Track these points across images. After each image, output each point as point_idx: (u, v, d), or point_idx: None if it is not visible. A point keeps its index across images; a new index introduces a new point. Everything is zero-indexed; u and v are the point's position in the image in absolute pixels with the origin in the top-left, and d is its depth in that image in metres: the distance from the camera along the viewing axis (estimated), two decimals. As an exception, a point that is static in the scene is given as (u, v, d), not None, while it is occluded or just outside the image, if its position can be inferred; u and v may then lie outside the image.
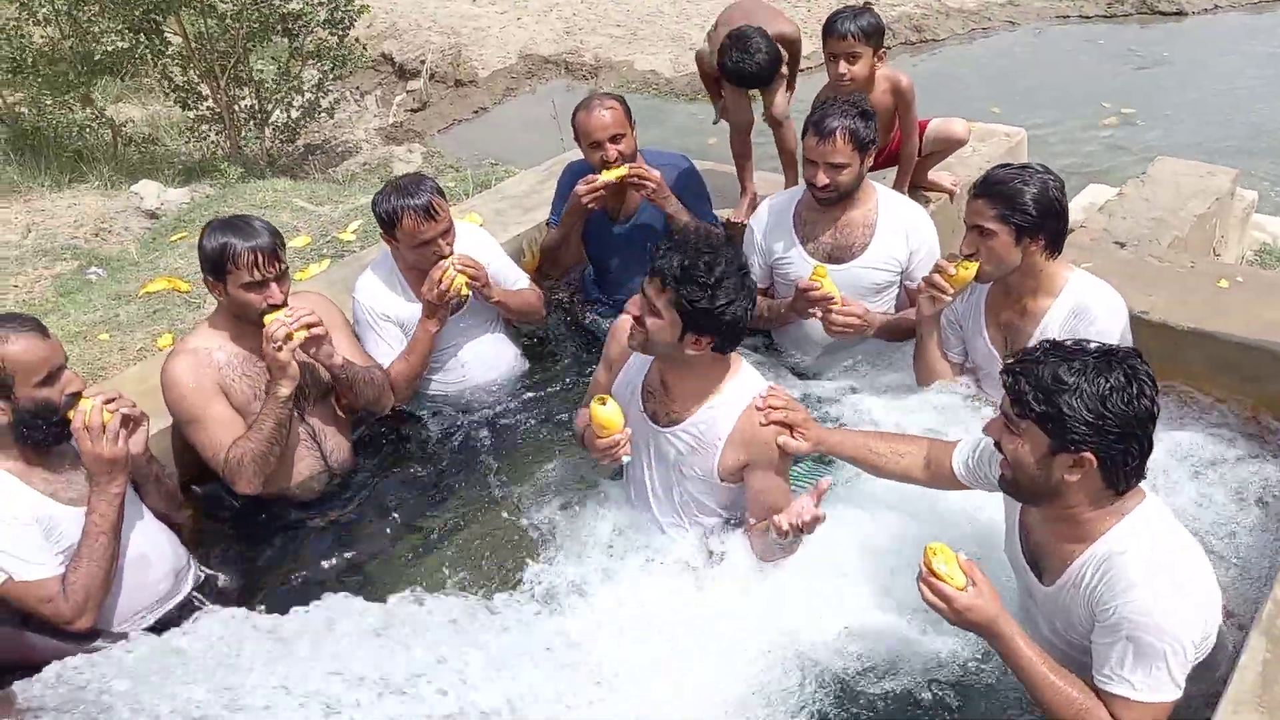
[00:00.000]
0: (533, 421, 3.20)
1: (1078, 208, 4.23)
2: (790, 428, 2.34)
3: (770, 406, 2.33)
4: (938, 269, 2.69)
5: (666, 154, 3.55)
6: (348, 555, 2.79)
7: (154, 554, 2.48)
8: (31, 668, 2.10)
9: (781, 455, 2.35)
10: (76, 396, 2.23)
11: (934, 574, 1.88)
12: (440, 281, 2.88)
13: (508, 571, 2.63)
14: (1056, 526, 1.92)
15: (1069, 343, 1.85)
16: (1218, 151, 6.31)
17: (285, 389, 2.61)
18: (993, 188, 2.50)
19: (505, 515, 2.84)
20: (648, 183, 3.21)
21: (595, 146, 3.23)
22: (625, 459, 2.43)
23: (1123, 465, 1.78)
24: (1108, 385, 1.74)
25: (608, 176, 3.19)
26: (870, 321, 2.97)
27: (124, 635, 2.35)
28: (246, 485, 2.65)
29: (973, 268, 2.59)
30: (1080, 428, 1.74)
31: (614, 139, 3.20)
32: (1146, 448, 1.79)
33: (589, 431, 2.44)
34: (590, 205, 3.26)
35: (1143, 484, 1.87)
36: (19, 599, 2.20)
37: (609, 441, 2.35)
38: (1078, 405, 1.74)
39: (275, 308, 2.60)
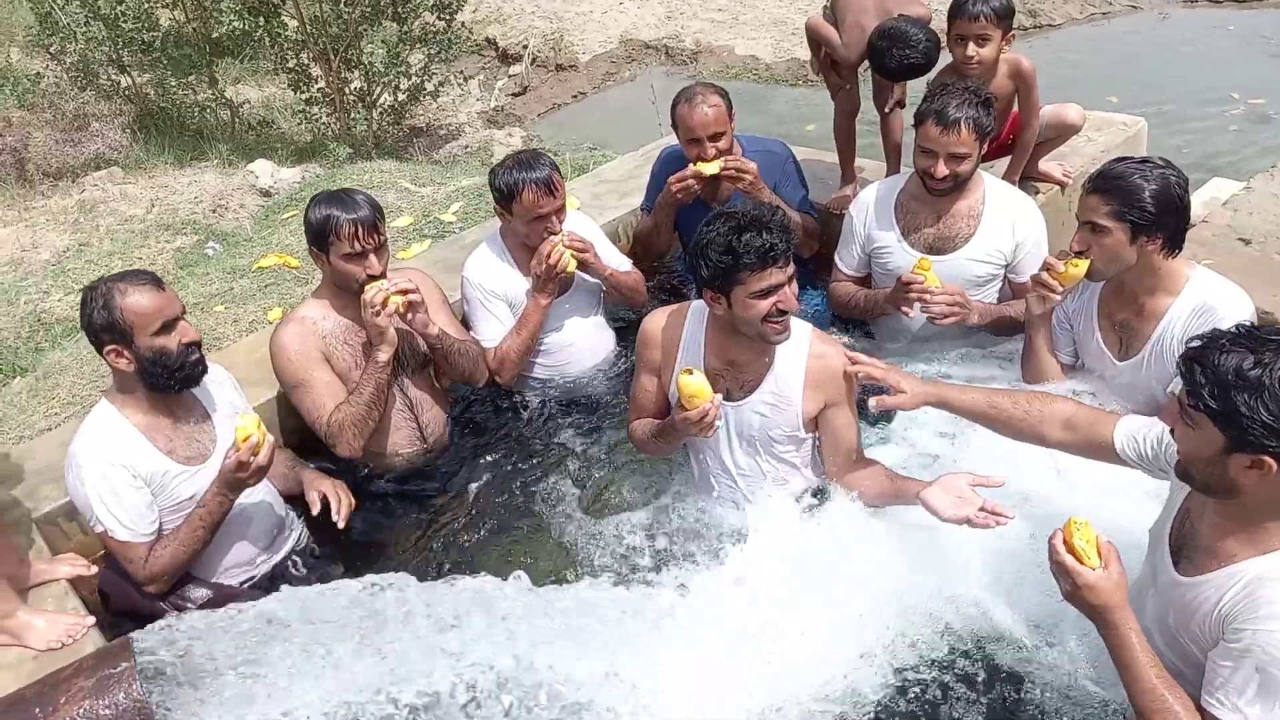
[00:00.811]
0: (619, 409, 3.21)
1: (1200, 202, 4.02)
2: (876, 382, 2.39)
3: (855, 362, 2.41)
4: (1046, 266, 2.60)
5: (763, 140, 3.51)
6: (435, 531, 2.86)
7: (258, 515, 2.61)
8: (139, 616, 2.25)
9: (850, 392, 2.45)
10: (192, 346, 2.37)
11: (1070, 548, 1.82)
12: (549, 256, 2.93)
13: (594, 559, 2.66)
14: (1224, 523, 1.77)
15: (1263, 331, 1.66)
16: (1357, 145, 5.92)
17: (384, 354, 2.70)
18: (1109, 182, 2.39)
19: (596, 503, 2.87)
20: (744, 175, 3.18)
21: (694, 143, 3.21)
22: (720, 425, 2.43)
23: None
24: None
25: (703, 169, 3.17)
26: (971, 307, 2.89)
27: (212, 586, 2.49)
28: (346, 448, 2.75)
29: (1083, 265, 2.49)
30: (1259, 429, 1.58)
31: (714, 137, 3.17)
32: None
33: (670, 419, 2.44)
34: (680, 197, 3.25)
35: None
36: (113, 551, 2.38)
37: (700, 410, 2.32)
38: (1258, 405, 1.57)
39: (374, 279, 2.69)
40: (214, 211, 5.72)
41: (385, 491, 2.96)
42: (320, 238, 2.67)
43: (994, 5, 3.10)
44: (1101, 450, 2.15)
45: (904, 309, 2.92)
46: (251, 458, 2.29)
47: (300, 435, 2.94)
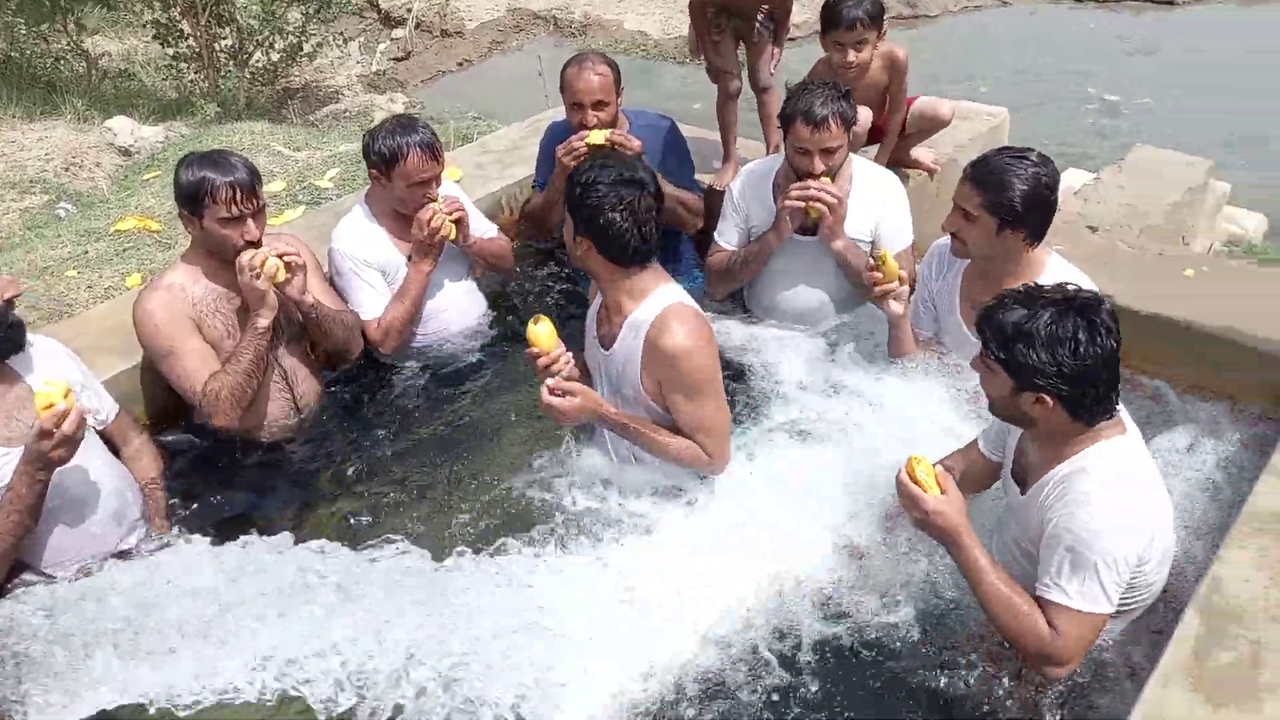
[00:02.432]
0: (500, 374, 3.21)
1: (1055, 191, 4.26)
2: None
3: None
4: (872, 282, 2.76)
5: (649, 114, 3.53)
6: (308, 501, 2.80)
7: (93, 497, 2.44)
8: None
9: (694, 374, 2.39)
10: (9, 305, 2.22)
11: (914, 479, 2.05)
12: (430, 221, 2.89)
13: (472, 522, 2.64)
14: (1038, 447, 2.08)
15: (1041, 288, 1.98)
16: (1197, 141, 6.36)
17: (264, 319, 2.61)
18: (985, 175, 2.50)
19: (471, 466, 2.86)
20: (629, 150, 3.17)
21: (577, 108, 3.21)
22: (559, 376, 2.45)
23: (1080, 404, 1.92)
24: (1058, 334, 1.87)
25: (591, 138, 3.16)
26: (840, 220, 2.96)
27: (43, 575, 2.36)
28: (223, 418, 2.65)
29: (885, 253, 2.73)
30: (1032, 372, 1.90)
31: (597, 105, 3.18)
32: (1104, 388, 1.92)
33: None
34: (571, 165, 3.24)
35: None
36: None
37: (536, 355, 2.43)
38: (1029, 353, 1.89)
39: (251, 245, 2.59)
40: (66, 170, 5.36)
41: (258, 462, 2.87)
42: (193, 200, 2.54)
43: (866, 10, 3.21)
44: (988, 466, 2.38)
45: (791, 220, 2.99)
46: (56, 428, 2.10)
47: (167, 406, 2.81)
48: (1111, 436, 2.00)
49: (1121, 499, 1.94)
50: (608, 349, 2.52)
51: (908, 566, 2.34)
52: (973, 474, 2.39)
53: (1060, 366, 1.87)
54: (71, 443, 2.16)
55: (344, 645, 1.98)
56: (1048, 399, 1.92)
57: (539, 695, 2.02)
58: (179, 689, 1.80)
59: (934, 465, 2.10)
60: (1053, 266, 2.64)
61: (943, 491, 2.05)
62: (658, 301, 2.41)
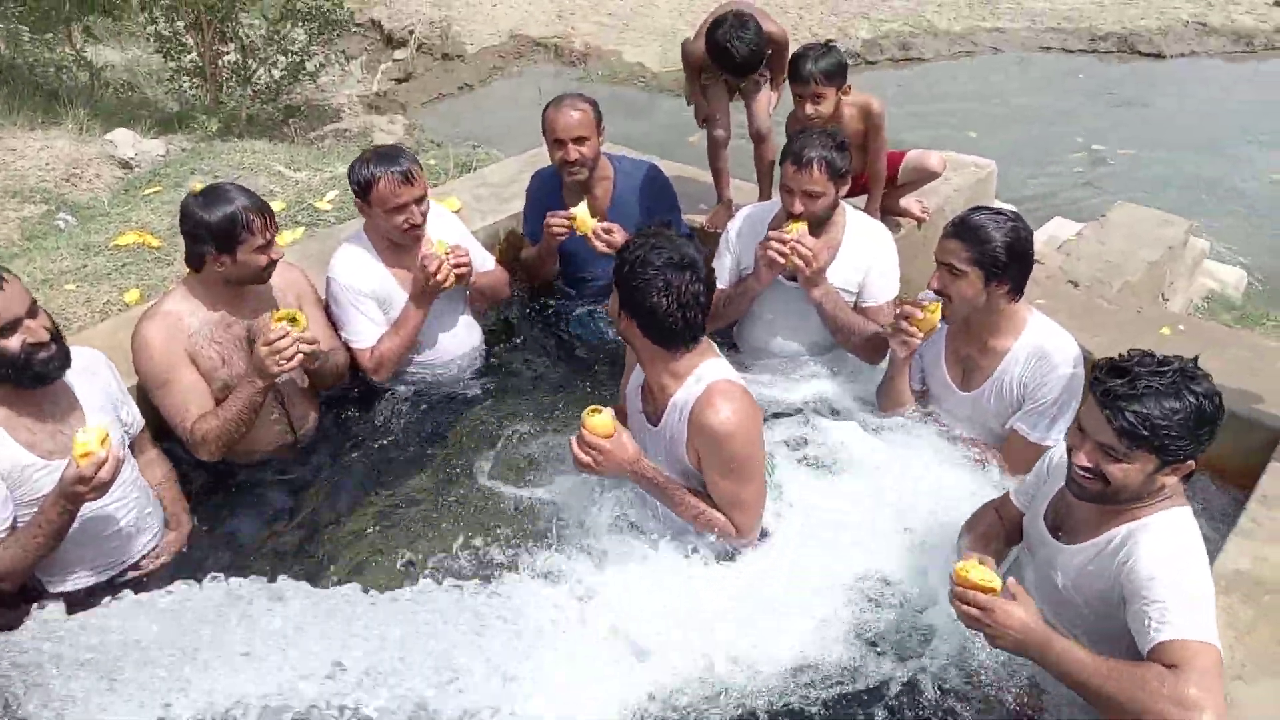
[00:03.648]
0: (494, 404, 3.27)
1: (1040, 240, 4.37)
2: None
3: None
4: (906, 315, 2.78)
5: (637, 161, 3.64)
6: (304, 523, 2.84)
7: (125, 512, 2.52)
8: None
9: (735, 455, 2.35)
10: (39, 346, 2.24)
11: (967, 583, 1.95)
12: (434, 271, 2.96)
13: (461, 545, 2.69)
14: (1104, 507, 2.04)
15: (1150, 360, 1.94)
16: (1179, 194, 6.51)
17: (261, 384, 2.66)
18: (968, 230, 2.60)
19: (462, 491, 2.91)
20: (611, 244, 3.19)
21: (558, 145, 3.33)
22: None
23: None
24: (1194, 403, 1.88)
25: (579, 224, 3.21)
26: (818, 272, 3.01)
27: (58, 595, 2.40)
28: (207, 456, 2.72)
29: (938, 311, 2.70)
30: (1187, 447, 1.90)
31: (577, 140, 3.29)
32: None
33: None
34: (559, 237, 3.31)
35: None
36: None
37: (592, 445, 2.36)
38: (1183, 429, 1.88)
39: (274, 262, 2.69)
40: (67, 180, 5.39)
41: (252, 483, 2.92)
42: (228, 237, 2.58)
43: (822, 67, 3.31)
44: (1018, 518, 2.38)
45: (769, 269, 3.04)
46: (93, 475, 2.16)
47: (161, 425, 2.85)
48: (1178, 506, 2.03)
49: (1196, 547, 1.97)
50: (654, 425, 2.50)
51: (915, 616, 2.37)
52: (1010, 530, 2.40)
53: (1205, 432, 1.90)
54: (106, 487, 2.21)
55: (323, 677, 2.01)
56: (1191, 464, 1.95)
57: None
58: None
59: (978, 563, 1.98)
60: (1034, 325, 2.73)
61: (1006, 588, 1.96)
62: (701, 379, 2.38)
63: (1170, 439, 1.88)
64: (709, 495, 2.44)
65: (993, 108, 8.36)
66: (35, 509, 2.30)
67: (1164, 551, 1.95)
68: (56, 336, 2.30)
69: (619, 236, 3.20)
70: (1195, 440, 1.90)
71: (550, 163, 3.48)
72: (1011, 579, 1.99)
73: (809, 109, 3.37)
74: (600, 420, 2.34)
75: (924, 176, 3.78)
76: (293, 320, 2.63)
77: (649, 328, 2.33)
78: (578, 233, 3.22)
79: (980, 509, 2.49)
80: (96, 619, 2.08)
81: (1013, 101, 8.53)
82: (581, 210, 3.22)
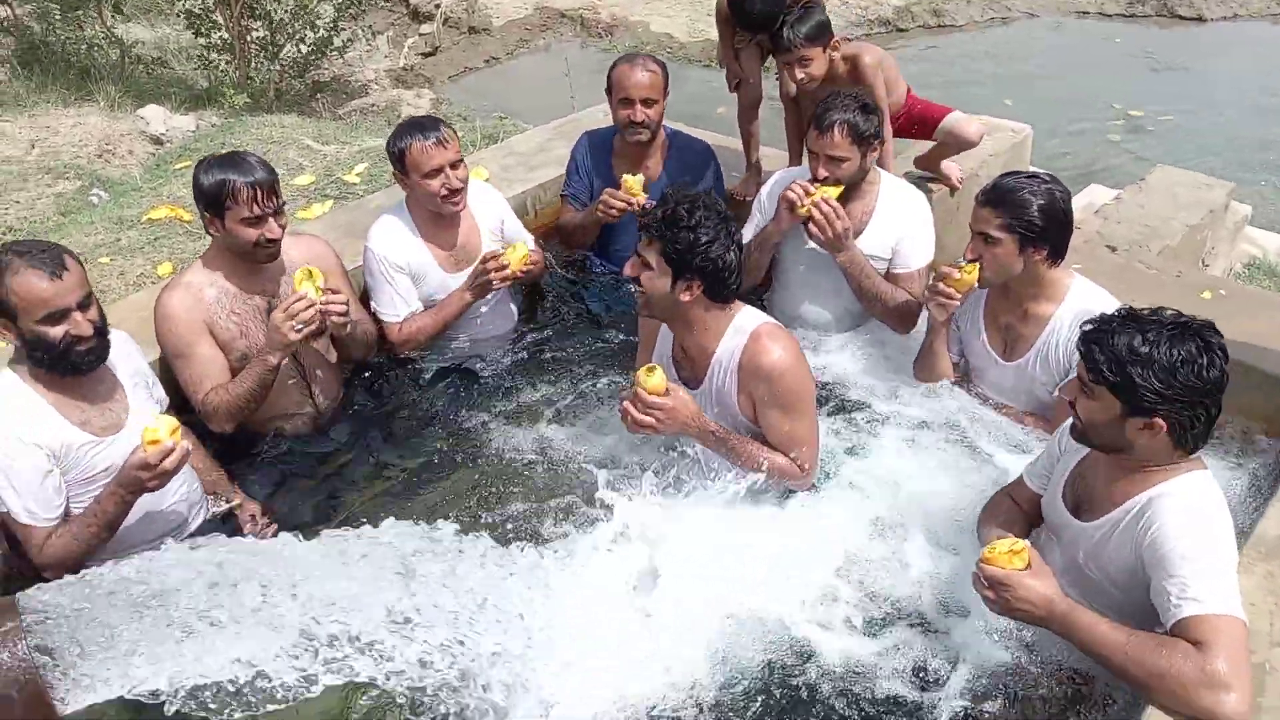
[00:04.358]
0: (524, 378, 3.25)
1: (1077, 206, 4.26)
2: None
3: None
4: (942, 276, 2.73)
5: (691, 139, 3.58)
6: (327, 492, 2.86)
7: (171, 484, 2.49)
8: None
9: (791, 390, 2.41)
10: (80, 339, 2.24)
11: (988, 562, 1.93)
12: (498, 272, 2.98)
13: (488, 515, 2.68)
14: (1117, 473, 2.03)
15: (1145, 311, 1.93)
16: (1220, 160, 6.36)
17: (274, 359, 2.64)
18: (1001, 196, 2.54)
19: (490, 461, 2.90)
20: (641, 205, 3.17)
21: (626, 103, 3.28)
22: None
23: (1190, 428, 1.89)
24: (1179, 356, 1.83)
25: (638, 197, 3.17)
26: (839, 237, 2.94)
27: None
28: (218, 427, 2.73)
29: (974, 271, 2.65)
30: (1151, 395, 1.85)
31: (646, 101, 3.26)
32: (1215, 413, 1.90)
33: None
34: (611, 216, 3.26)
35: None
36: (12, 529, 2.29)
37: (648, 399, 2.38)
38: (1149, 375, 1.84)
39: (272, 242, 2.65)
40: (100, 156, 5.46)
41: (278, 454, 2.93)
42: (215, 202, 2.59)
43: (801, 32, 3.22)
44: (1035, 502, 2.35)
45: (789, 213, 2.99)
46: (158, 463, 2.18)
47: (181, 396, 2.88)
48: (1194, 470, 1.97)
49: (1215, 512, 1.92)
50: (696, 388, 2.53)
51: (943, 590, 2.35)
52: (1029, 512, 2.37)
53: (1179, 389, 1.83)
54: (168, 476, 2.23)
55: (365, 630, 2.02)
56: (1159, 423, 1.88)
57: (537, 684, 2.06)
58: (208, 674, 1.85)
59: (1008, 541, 1.97)
60: (1077, 287, 2.67)
61: (1028, 565, 1.93)
62: (740, 329, 2.45)
63: (1132, 383, 1.85)
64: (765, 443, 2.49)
65: (1028, 74, 8.21)
66: (88, 488, 2.34)
67: (1184, 520, 1.89)
68: (101, 331, 2.31)
69: (645, 200, 3.18)
70: (1167, 398, 1.84)
71: (605, 126, 3.43)
72: (1035, 552, 1.96)
73: (798, 74, 3.30)
74: (658, 379, 2.36)
75: (958, 144, 3.69)
76: (309, 275, 2.63)
77: (716, 286, 2.39)
78: (635, 208, 3.17)
79: (994, 497, 2.45)
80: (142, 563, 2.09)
81: (1048, 68, 8.36)
82: (636, 181, 3.18)
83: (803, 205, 2.92)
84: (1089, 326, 1.97)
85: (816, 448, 2.54)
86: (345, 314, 2.69)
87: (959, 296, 2.72)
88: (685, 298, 2.39)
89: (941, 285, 2.73)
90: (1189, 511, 1.90)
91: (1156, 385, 1.84)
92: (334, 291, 2.69)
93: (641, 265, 2.41)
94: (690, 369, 2.53)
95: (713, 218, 2.34)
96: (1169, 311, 1.92)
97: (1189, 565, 1.84)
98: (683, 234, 2.32)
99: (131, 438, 2.33)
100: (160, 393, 2.66)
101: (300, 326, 2.58)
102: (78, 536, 2.28)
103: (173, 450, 2.19)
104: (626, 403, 2.38)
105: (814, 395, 2.52)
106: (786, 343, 2.43)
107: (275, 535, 2.55)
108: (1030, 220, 2.50)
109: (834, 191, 2.93)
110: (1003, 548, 1.94)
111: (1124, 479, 2.01)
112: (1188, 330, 1.87)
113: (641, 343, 2.81)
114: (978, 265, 2.64)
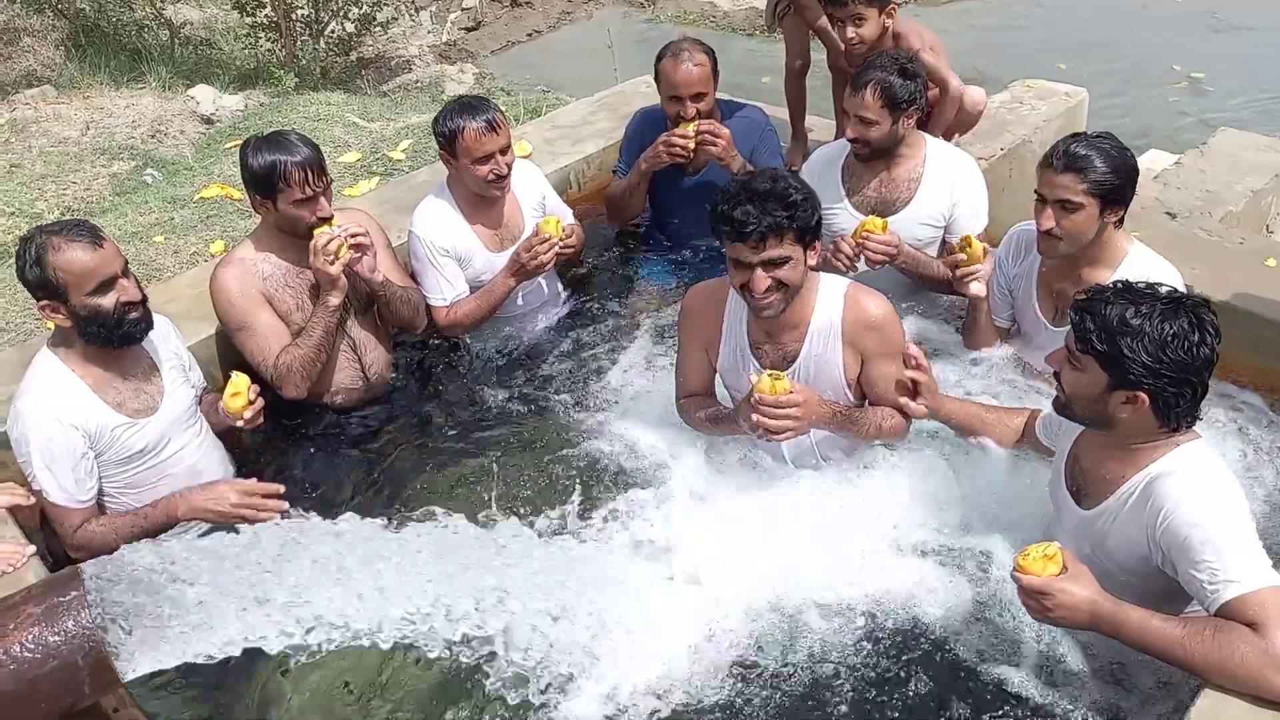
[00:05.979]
0: (571, 356, 3.24)
1: (1133, 173, 4.16)
2: (916, 391, 2.47)
3: (914, 358, 2.46)
4: (953, 265, 2.76)
5: (743, 105, 3.49)
6: (377, 468, 2.89)
7: (205, 466, 2.60)
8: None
9: (897, 335, 2.44)
10: (131, 305, 2.30)
11: (1025, 571, 1.86)
12: (540, 254, 2.97)
13: (532, 498, 2.70)
14: (1107, 453, 2.01)
15: (1141, 285, 1.91)
16: (1286, 123, 6.12)
17: (335, 298, 2.71)
18: (1079, 160, 2.44)
19: (541, 440, 2.91)
20: (717, 141, 3.14)
21: (675, 100, 3.19)
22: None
23: (1175, 406, 1.86)
24: (1170, 331, 1.81)
25: (688, 130, 3.13)
26: (901, 248, 2.92)
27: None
28: (293, 389, 2.77)
29: (974, 243, 2.69)
30: (1138, 369, 1.83)
31: (695, 97, 3.16)
32: (1201, 392, 1.87)
33: (731, 411, 2.48)
34: (669, 157, 3.21)
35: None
36: (45, 509, 2.37)
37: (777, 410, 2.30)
38: (1138, 348, 1.82)
39: (324, 220, 2.68)
40: (153, 137, 5.56)
41: (327, 431, 2.98)
42: (266, 185, 2.62)
43: None
44: (1038, 445, 2.36)
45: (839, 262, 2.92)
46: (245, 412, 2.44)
47: (242, 368, 2.92)
48: (1185, 443, 1.93)
49: (1217, 487, 1.87)
50: (788, 366, 2.47)
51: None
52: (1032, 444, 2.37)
53: (1167, 364, 1.80)
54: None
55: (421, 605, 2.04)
56: (1142, 398, 1.85)
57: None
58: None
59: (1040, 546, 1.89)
60: (1135, 255, 2.59)
61: (1063, 568, 1.85)
62: (829, 294, 2.42)
63: (1121, 354, 1.83)
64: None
65: (1082, 36, 7.95)
66: (122, 469, 2.41)
67: (1194, 501, 1.83)
68: (145, 298, 2.37)
69: (724, 130, 3.16)
70: (1154, 372, 1.81)
71: (657, 103, 3.35)
72: (1069, 553, 1.89)
73: (850, 32, 3.22)
74: (785, 381, 2.29)
75: (961, 116, 3.50)
76: (549, 223, 2.91)
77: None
78: (687, 148, 3.15)
79: (1020, 410, 2.50)
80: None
81: (1104, 29, 8.10)
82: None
83: (858, 260, 2.87)
84: (1082, 295, 1.95)
85: None
86: (364, 236, 2.74)
87: (983, 266, 2.71)
88: (806, 267, 2.32)
89: (959, 270, 2.75)
90: (1196, 489, 1.86)
91: (1145, 359, 1.82)
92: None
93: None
94: (782, 351, 2.46)
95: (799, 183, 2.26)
96: (1164, 288, 1.89)
97: (1212, 547, 1.79)
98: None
99: (165, 421, 2.39)
100: (197, 376, 2.71)
101: (334, 259, 2.66)
102: (119, 531, 2.33)
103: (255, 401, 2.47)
104: (756, 415, 2.28)
105: None
106: (877, 294, 2.44)
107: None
108: (1109, 180, 2.43)
109: (879, 224, 2.86)
110: (1035, 553, 1.87)
111: (1115, 459, 1.99)
112: (1181, 306, 1.84)
113: (688, 337, 2.63)
114: (972, 236, 2.69)
